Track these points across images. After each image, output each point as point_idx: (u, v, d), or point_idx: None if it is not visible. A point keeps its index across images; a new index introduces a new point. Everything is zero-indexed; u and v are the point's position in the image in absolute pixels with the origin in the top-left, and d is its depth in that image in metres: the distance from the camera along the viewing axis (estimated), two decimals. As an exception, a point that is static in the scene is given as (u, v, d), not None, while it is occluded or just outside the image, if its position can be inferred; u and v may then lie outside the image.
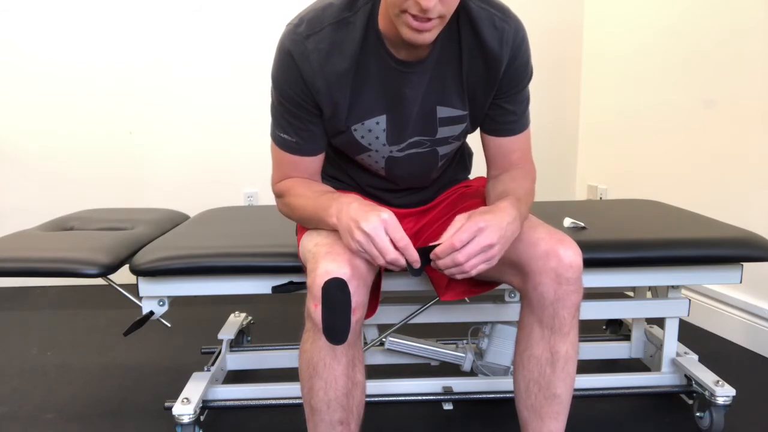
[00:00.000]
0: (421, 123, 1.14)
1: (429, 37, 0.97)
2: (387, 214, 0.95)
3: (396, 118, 1.12)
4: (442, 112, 1.13)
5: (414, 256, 0.97)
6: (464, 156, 1.35)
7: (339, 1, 1.06)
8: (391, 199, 1.28)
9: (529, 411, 1.13)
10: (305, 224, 1.18)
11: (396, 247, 0.96)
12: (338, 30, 1.05)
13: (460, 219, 0.99)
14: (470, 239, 0.96)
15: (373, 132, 1.14)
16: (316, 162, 1.18)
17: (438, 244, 0.98)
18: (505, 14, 1.08)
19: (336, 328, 0.97)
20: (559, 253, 1.04)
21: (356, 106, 1.11)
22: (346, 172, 1.28)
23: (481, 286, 1.24)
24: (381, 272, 1.16)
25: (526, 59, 1.12)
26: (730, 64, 1.99)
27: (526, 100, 1.17)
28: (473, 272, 0.97)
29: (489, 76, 1.10)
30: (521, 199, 1.08)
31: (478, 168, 1.38)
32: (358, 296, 0.99)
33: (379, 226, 0.94)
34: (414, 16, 0.93)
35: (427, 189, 1.30)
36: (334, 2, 1.06)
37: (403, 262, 0.96)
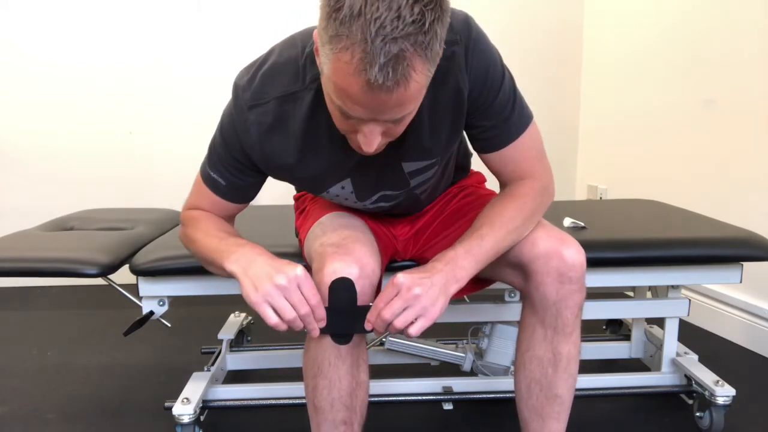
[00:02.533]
0: (391, 178, 1.09)
1: (378, 151, 0.92)
2: (301, 270, 0.91)
3: (360, 179, 1.08)
4: (409, 167, 1.08)
5: (322, 314, 0.93)
6: (465, 155, 1.34)
7: (291, 69, 0.98)
8: (382, 213, 1.27)
9: (530, 411, 1.13)
10: (202, 263, 1.10)
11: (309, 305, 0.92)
12: (284, 104, 0.98)
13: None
14: (393, 296, 0.92)
15: (340, 196, 1.12)
16: (236, 209, 1.14)
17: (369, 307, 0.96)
18: (451, 32, 0.89)
19: (341, 328, 0.97)
20: (561, 253, 1.03)
21: (315, 178, 1.07)
22: None
23: (481, 284, 1.23)
24: (381, 273, 1.16)
25: (484, 65, 0.97)
26: (730, 64, 1.99)
27: (505, 109, 1.02)
28: (412, 330, 0.92)
29: (455, 111, 1.00)
30: (485, 237, 1.00)
31: (479, 165, 1.37)
32: (365, 296, 0.99)
33: (293, 281, 0.90)
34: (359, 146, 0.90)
35: (421, 208, 1.28)
36: (286, 68, 0.98)
37: (312, 320, 0.93)
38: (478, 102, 1.00)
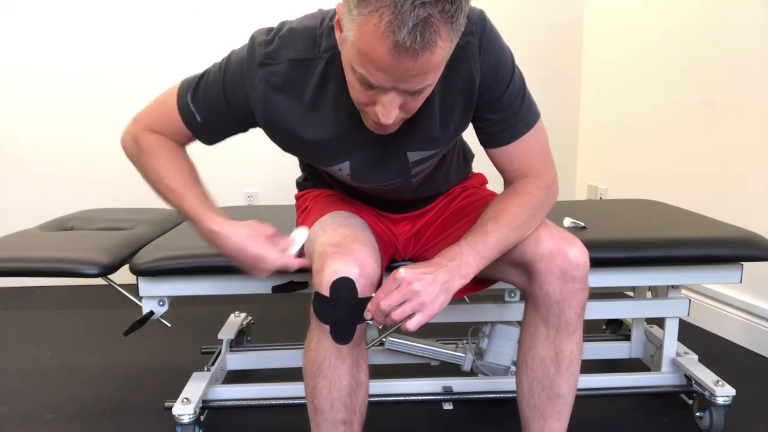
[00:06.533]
0: (391, 167, 1.09)
1: (392, 128, 0.94)
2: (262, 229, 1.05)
3: (359, 166, 1.08)
4: (414, 156, 1.08)
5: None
6: (465, 157, 1.34)
7: (308, 36, 0.98)
8: (384, 208, 1.27)
9: (531, 410, 1.13)
10: (157, 193, 1.16)
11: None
12: (296, 68, 0.98)
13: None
14: (393, 289, 0.94)
15: (337, 175, 1.13)
16: (192, 141, 1.14)
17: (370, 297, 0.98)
18: (467, 23, 0.90)
19: (342, 328, 0.97)
20: (565, 252, 1.04)
21: (313, 148, 1.06)
22: (334, 180, 1.24)
23: (481, 284, 1.24)
24: (382, 273, 1.16)
25: (496, 58, 0.99)
26: (730, 64, 1.99)
27: (513, 104, 1.03)
28: (410, 325, 0.93)
29: (465, 101, 1.02)
30: (489, 233, 1.02)
31: (480, 166, 1.38)
32: (366, 296, 0.99)
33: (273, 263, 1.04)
34: (373, 120, 0.91)
35: (420, 200, 1.28)
36: (303, 34, 0.99)
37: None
38: (488, 93, 1.01)
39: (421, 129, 1.02)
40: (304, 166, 1.35)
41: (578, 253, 1.05)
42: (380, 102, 0.86)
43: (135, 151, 1.15)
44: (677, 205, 1.81)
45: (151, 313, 1.43)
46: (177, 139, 1.12)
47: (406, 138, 1.03)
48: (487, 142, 1.09)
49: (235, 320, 1.84)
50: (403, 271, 0.94)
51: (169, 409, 1.41)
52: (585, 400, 1.58)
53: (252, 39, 1.01)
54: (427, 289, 0.94)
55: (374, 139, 1.02)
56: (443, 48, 0.80)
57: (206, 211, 1.07)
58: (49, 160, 2.62)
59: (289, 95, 1.00)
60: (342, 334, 0.98)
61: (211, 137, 1.11)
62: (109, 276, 1.36)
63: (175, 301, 1.46)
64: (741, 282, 1.47)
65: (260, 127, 1.06)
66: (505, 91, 1.02)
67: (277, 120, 1.03)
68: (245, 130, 1.09)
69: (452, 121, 1.04)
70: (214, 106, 1.05)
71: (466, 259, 0.98)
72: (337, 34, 0.89)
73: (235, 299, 1.70)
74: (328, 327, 0.98)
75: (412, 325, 0.93)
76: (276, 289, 1.38)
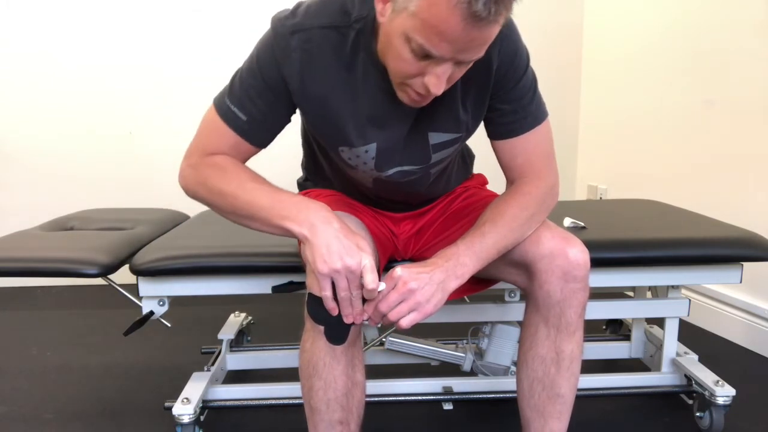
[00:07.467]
0: (413, 151, 1.08)
1: (427, 100, 0.94)
2: (368, 260, 0.91)
3: (385, 147, 1.06)
4: (435, 138, 1.07)
5: (359, 308, 0.95)
6: (465, 158, 1.34)
7: (336, 4, 0.97)
8: (385, 207, 1.27)
9: (531, 410, 1.13)
10: (232, 217, 1.04)
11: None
12: (328, 35, 0.96)
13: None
14: (390, 288, 0.94)
15: (361, 158, 1.09)
16: (252, 153, 1.07)
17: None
18: None
19: (336, 329, 0.97)
20: (566, 252, 1.04)
21: (342, 130, 1.04)
22: (339, 178, 1.23)
23: (481, 284, 1.24)
24: (380, 273, 1.16)
25: (515, 47, 1.01)
26: (730, 64, 1.99)
27: (525, 97, 1.05)
28: (404, 322, 0.94)
29: (482, 85, 1.03)
30: (486, 234, 1.02)
31: (481, 168, 1.38)
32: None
33: (357, 269, 0.90)
34: (417, 92, 0.91)
35: (422, 199, 1.27)
36: (330, 4, 0.97)
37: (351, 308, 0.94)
38: (503, 80, 1.02)
39: (444, 109, 1.03)
40: (306, 165, 1.35)
41: (579, 253, 1.05)
42: (433, 72, 0.87)
43: (196, 179, 1.07)
44: (677, 205, 1.81)
45: (151, 313, 1.43)
46: (233, 154, 1.05)
47: (431, 118, 1.04)
48: (495, 133, 1.10)
49: (235, 320, 1.84)
50: (399, 270, 0.95)
51: (169, 409, 1.41)
52: (585, 400, 1.58)
53: (274, 19, 0.99)
54: (423, 288, 0.94)
55: (402, 116, 1.02)
56: (505, 19, 0.83)
57: (288, 212, 0.96)
58: (49, 160, 2.62)
59: (326, 62, 0.98)
60: (336, 334, 0.98)
61: (260, 134, 1.04)
62: (109, 276, 1.36)
63: (175, 301, 1.46)
64: (741, 282, 1.47)
65: (294, 101, 1.02)
66: (519, 81, 1.03)
67: (312, 85, 0.99)
68: (289, 111, 1.04)
69: (469, 103, 1.04)
70: (253, 95, 1.01)
71: (462, 259, 0.99)
72: (379, 7, 0.88)
73: (235, 299, 1.70)
74: (322, 328, 0.98)
75: (405, 322, 0.94)
76: (276, 289, 1.39)
